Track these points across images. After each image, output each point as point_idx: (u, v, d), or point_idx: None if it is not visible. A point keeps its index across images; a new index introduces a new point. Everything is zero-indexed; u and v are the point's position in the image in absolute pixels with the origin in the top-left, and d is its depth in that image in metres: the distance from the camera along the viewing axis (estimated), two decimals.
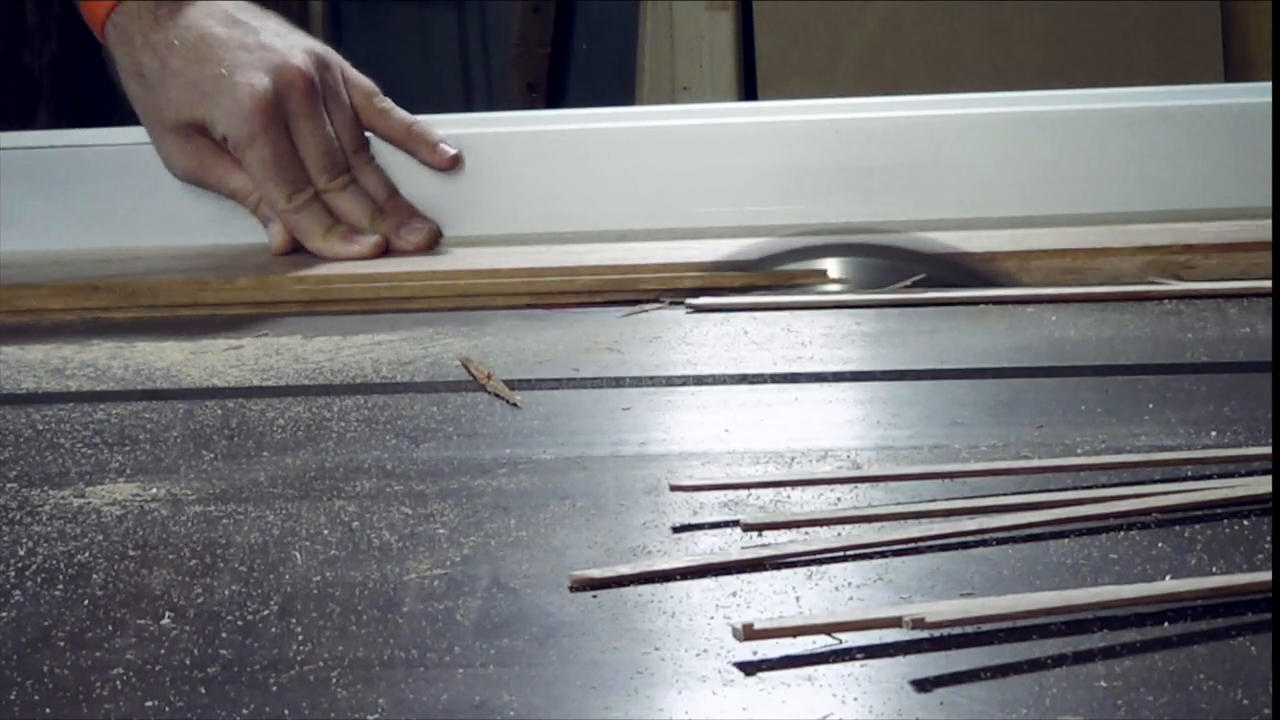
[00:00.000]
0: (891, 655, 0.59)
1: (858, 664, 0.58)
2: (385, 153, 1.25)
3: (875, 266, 1.13)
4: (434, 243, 1.23)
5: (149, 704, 0.57)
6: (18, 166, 1.28)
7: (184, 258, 1.22)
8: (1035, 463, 0.76)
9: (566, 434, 0.85)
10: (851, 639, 0.59)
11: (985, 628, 0.60)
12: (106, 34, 1.22)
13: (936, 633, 0.59)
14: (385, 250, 1.22)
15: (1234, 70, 2.43)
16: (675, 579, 0.66)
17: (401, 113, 1.25)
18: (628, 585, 0.65)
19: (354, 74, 1.25)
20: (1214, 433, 0.80)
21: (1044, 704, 0.55)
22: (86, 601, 0.66)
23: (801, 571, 0.66)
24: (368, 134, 1.25)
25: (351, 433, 0.86)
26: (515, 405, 0.90)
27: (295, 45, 1.22)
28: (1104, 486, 0.73)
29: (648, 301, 1.10)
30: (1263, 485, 0.71)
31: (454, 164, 1.25)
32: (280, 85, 1.19)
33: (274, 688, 0.58)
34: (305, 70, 1.20)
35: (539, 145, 1.24)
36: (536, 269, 1.13)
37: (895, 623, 0.59)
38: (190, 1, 1.21)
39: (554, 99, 2.85)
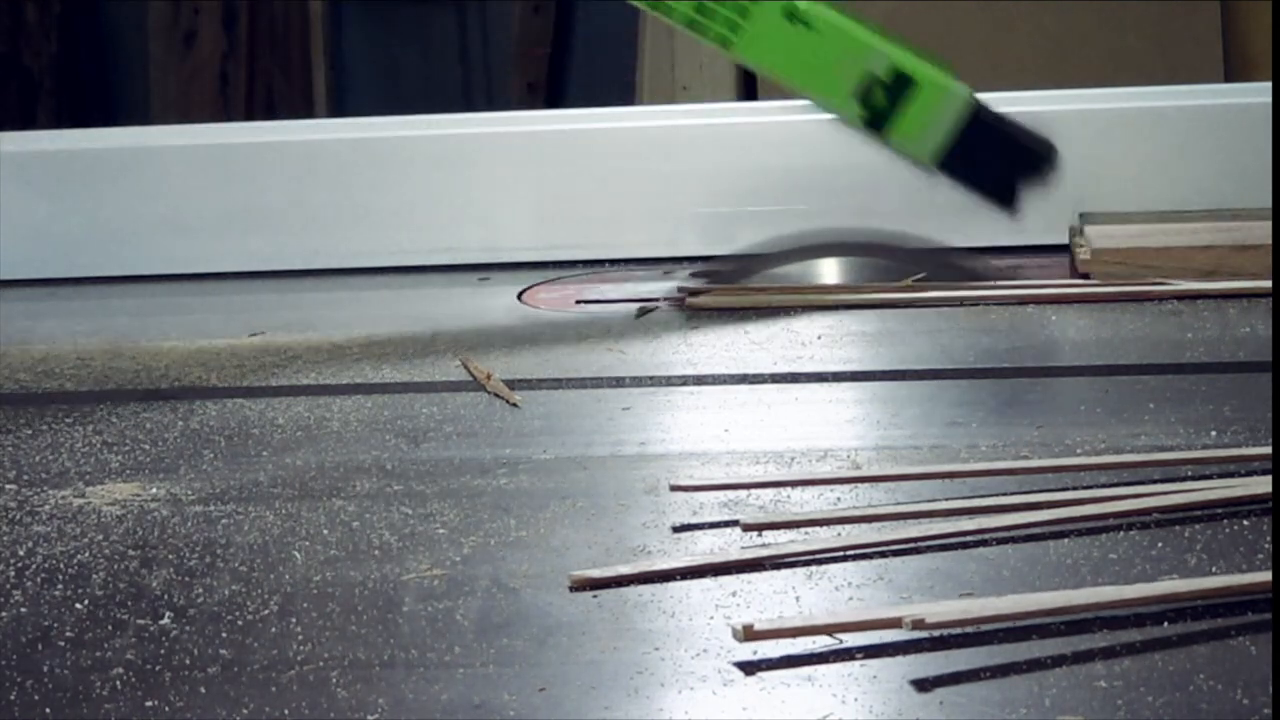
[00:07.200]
0: (891, 655, 0.59)
1: (858, 664, 0.58)
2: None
3: (875, 266, 1.13)
4: None
5: (149, 704, 0.57)
6: (18, 166, 1.28)
7: None
8: (1035, 463, 0.76)
9: (566, 434, 0.85)
10: (851, 639, 0.59)
11: (985, 628, 0.60)
12: None
13: (936, 633, 0.59)
14: None
15: (1234, 70, 2.43)
16: (675, 579, 0.66)
17: None
18: (628, 585, 0.65)
19: None
20: (1214, 433, 0.80)
21: (1044, 704, 0.55)
22: (86, 601, 0.66)
23: (801, 571, 0.66)
24: None
25: (351, 433, 0.86)
26: (515, 405, 0.90)
27: None
28: (1104, 486, 0.73)
29: (648, 301, 1.10)
30: (1263, 485, 0.71)
31: None
32: None
33: (274, 688, 0.58)
34: None
35: (539, 145, 1.24)
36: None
37: (895, 623, 0.59)
38: None
39: (554, 99, 2.85)
